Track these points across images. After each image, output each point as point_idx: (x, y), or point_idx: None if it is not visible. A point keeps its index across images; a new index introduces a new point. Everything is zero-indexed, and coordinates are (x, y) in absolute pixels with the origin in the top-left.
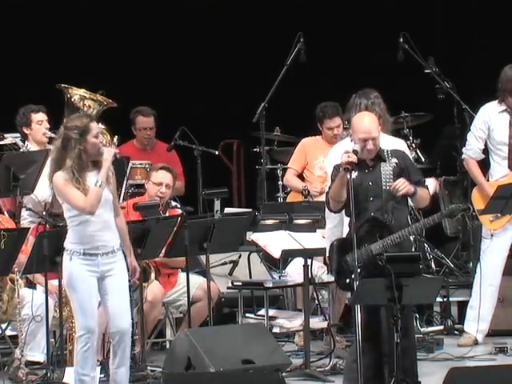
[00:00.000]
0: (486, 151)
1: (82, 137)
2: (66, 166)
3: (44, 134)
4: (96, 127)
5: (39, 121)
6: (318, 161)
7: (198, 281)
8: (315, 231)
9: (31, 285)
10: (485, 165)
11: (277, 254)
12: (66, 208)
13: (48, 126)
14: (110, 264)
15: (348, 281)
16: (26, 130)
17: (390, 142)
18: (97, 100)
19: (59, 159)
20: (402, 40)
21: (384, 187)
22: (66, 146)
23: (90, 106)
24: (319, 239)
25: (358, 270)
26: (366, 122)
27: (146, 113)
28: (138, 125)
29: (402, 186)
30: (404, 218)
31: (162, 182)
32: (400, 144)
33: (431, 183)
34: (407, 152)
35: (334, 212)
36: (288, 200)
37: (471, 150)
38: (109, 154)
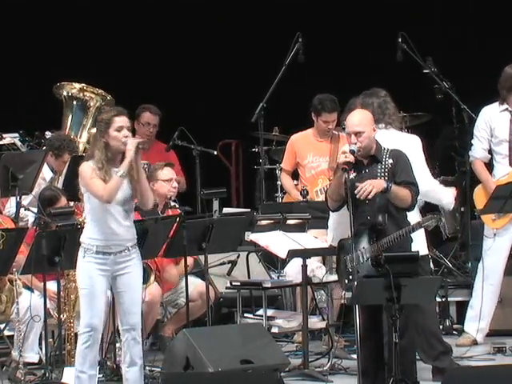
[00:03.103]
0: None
1: (105, 130)
2: (96, 158)
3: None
4: (121, 121)
5: (66, 162)
6: (306, 160)
7: (195, 282)
8: (305, 231)
9: (29, 286)
10: (489, 168)
11: (283, 255)
12: (85, 199)
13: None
14: (124, 263)
15: (347, 281)
16: (51, 156)
17: (403, 138)
18: (98, 93)
19: (90, 154)
20: (400, 40)
21: None
22: (95, 138)
23: (91, 98)
24: (312, 239)
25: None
26: (355, 116)
27: (154, 111)
28: (143, 119)
29: (361, 191)
30: (401, 222)
31: (171, 178)
32: (413, 139)
33: (449, 194)
34: (419, 148)
35: (333, 210)
36: (284, 200)
37: (475, 150)
38: (132, 144)
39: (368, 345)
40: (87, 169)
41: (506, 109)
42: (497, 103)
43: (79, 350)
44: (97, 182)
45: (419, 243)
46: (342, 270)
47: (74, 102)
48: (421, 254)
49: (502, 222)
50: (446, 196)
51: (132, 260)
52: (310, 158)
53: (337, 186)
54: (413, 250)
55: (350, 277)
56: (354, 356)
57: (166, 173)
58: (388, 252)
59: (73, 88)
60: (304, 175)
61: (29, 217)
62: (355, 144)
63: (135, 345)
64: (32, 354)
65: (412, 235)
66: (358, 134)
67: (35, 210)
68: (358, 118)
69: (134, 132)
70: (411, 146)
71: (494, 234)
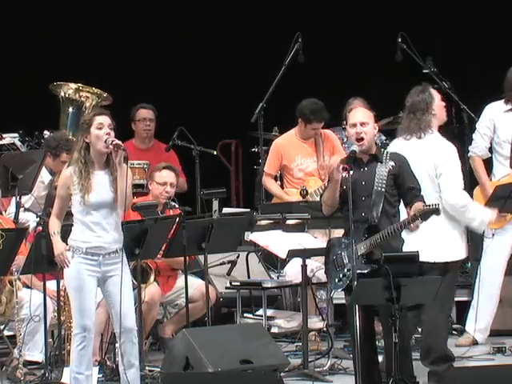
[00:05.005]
0: (491, 152)
1: (86, 129)
2: (74, 159)
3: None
4: (102, 119)
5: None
6: (295, 163)
7: (196, 282)
8: (305, 231)
9: (29, 286)
10: (489, 166)
11: (283, 255)
12: (72, 203)
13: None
14: (113, 265)
15: (337, 280)
16: (49, 158)
17: (440, 143)
18: (93, 92)
19: (73, 157)
20: (400, 40)
21: (375, 187)
22: (77, 140)
23: (87, 97)
24: (312, 239)
25: (346, 270)
26: (358, 111)
27: (147, 107)
28: (138, 117)
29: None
30: (393, 219)
31: (166, 182)
32: (452, 148)
33: (485, 215)
34: (456, 157)
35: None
36: (273, 202)
37: (477, 147)
38: (109, 140)
39: (361, 345)
40: (61, 178)
41: (511, 109)
42: (502, 101)
43: (75, 352)
44: (55, 205)
45: (457, 247)
46: (330, 269)
47: (70, 109)
48: (456, 259)
49: (500, 223)
50: (479, 216)
51: (120, 263)
52: (299, 160)
53: (333, 192)
54: (451, 254)
55: (341, 275)
56: None
57: (162, 175)
58: (379, 248)
59: (69, 88)
60: (292, 177)
61: (30, 222)
62: (360, 136)
63: (133, 347)
64: (36, 353)
65: (449, 238)
66: (363, 124)
67: (35, 210)
68: (363, 112)
69: (132, 134)
70: (449, 153)
71: (493, 235)
